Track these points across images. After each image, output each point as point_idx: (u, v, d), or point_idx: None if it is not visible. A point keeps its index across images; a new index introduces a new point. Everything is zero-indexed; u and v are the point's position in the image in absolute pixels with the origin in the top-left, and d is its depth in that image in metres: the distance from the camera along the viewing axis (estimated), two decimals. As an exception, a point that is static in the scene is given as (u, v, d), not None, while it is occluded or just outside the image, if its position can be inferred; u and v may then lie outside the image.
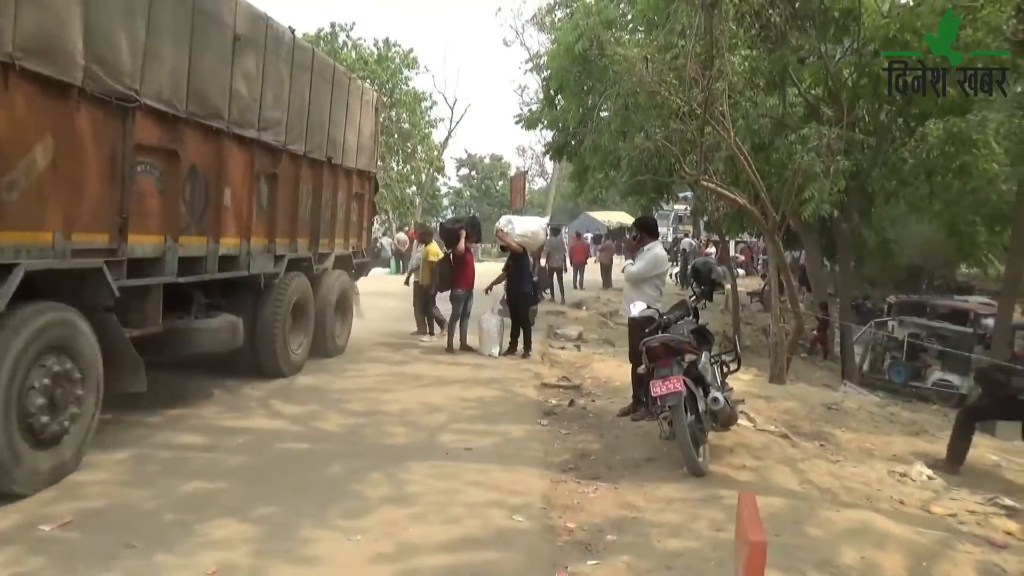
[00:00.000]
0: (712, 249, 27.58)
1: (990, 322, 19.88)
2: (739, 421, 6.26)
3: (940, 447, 7.49)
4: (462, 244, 10.08)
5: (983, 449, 7.12)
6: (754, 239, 29.83)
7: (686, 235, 34.12)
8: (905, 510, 5.03)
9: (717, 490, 4.81)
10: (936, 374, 17.49)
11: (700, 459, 5.15)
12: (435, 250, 10.98)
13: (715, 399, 5.23)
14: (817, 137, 10.02)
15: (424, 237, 11.50)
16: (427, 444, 5.82)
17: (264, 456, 5.26)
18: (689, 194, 29.14)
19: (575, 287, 20.65)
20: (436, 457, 5.42)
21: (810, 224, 14.79)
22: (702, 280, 6.19)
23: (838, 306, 20.86)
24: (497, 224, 10.82)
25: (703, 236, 33.01)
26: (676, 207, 35.48)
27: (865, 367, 17.60)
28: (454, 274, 10.05)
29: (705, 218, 28.68)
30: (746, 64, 10.33)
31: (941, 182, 13.44)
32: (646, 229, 6.74)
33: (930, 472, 6.13)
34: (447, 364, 9.15)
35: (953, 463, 6.51)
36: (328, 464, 5.10)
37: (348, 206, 9.62)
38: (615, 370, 8.82)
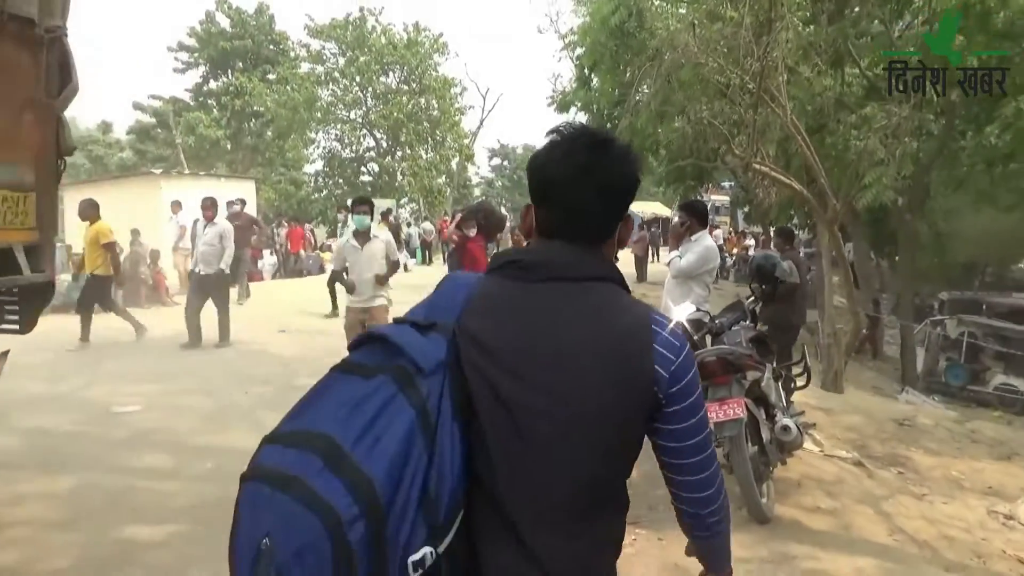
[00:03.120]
0: (751, 241, 26.31)
1: (1054, 321, 18.47)
2: (804, 444, 5.23)
3: (1038, 475, 6.39)
4: (449, 229, 8.96)
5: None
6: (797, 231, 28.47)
7: (717, 227, 32.80)
8: (1029, 573, 3.98)
9: (787, 545, 3.81)
10: (998, 377, 16.18)
11: (763, 499, 4.15)
12: (105, 230, 8.82)
13: (785, 427, 4.22)
14: (886, 116, 8.86)
15: (85, 213, 8.93)
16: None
17: (230, 488, 4.33)
18: (729, 184, 27.86)
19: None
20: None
21: (859, 215, 13.61)
22: (765, 278, 5.15)
23: (885, 303, 19.54)
24: None
25: (741, 228, 31.69)
26: (713, 198, 34.04)
27: (919, 368, 16.34)
28: (464, 266, 9.04)
29: (746, 208, 27.41)
30: (805, 35, 9.17)
31: (1007, 170, 12.25)
32: (696, 215, 5.64)
33: (1042, 514, 5.06)
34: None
35: None
36: (306, 499, 4.19)
37: None
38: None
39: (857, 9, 11.19)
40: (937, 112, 11.84)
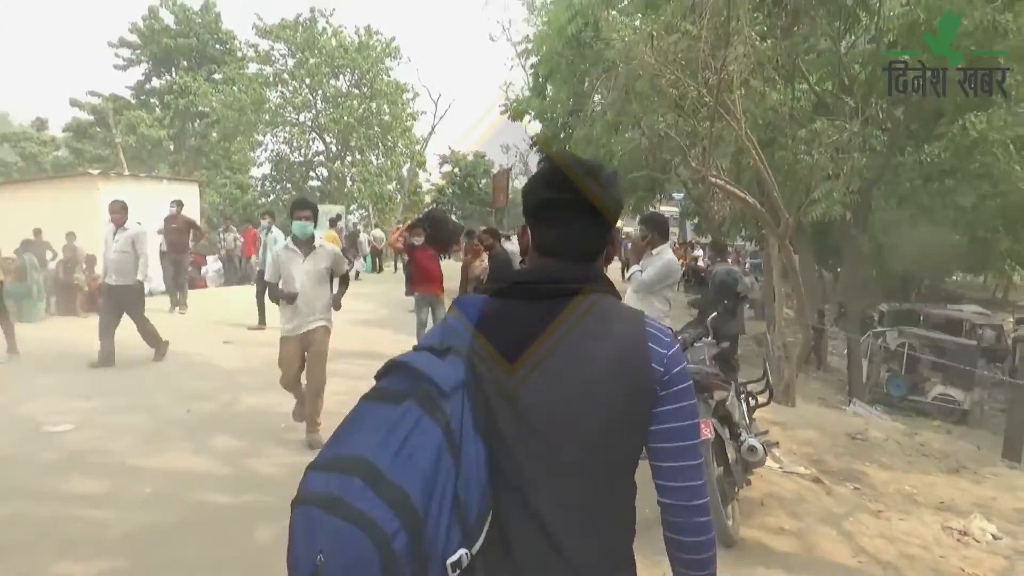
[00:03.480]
0: (699, 252, 26.64)
1: (988, 333, 19.15)
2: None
3: (986, 489, 6.53)
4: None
5: (1042, 495, 6.13)
6: (740, 243, 29.02)
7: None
8: (989, 593, 4.00)
9: (755, 570, 3.74)
10: (937, 388, 16.67)
11: (729, 522, 4.08)
12: None
13: (752, 448, 4.16)
14: (835, 132, 9.01)
15: None
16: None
17: (170, 514, 4.09)
18: (679, 195, 28.21)
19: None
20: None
21: (804, 229, 13.88)
22: (727, 294, 5.10)
23: (828, 315, 19.95)
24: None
25: (689, 239, 32.06)
26: (662, 208, 34.37)
27: (864, 379, 16.73)
28: (413, 277, 8.72)
29: (695, 220, 27.79)
30: (762, 49, 9.26)
31: (943, 186, 12.64)
32: (657, 228, 5.57)
33: (994, 530, 5.13)
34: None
35: None
36: (253, 527, 3.94)
37: None
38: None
39: (807, 27, 11.40)
40: (882, 128, 12.15)
